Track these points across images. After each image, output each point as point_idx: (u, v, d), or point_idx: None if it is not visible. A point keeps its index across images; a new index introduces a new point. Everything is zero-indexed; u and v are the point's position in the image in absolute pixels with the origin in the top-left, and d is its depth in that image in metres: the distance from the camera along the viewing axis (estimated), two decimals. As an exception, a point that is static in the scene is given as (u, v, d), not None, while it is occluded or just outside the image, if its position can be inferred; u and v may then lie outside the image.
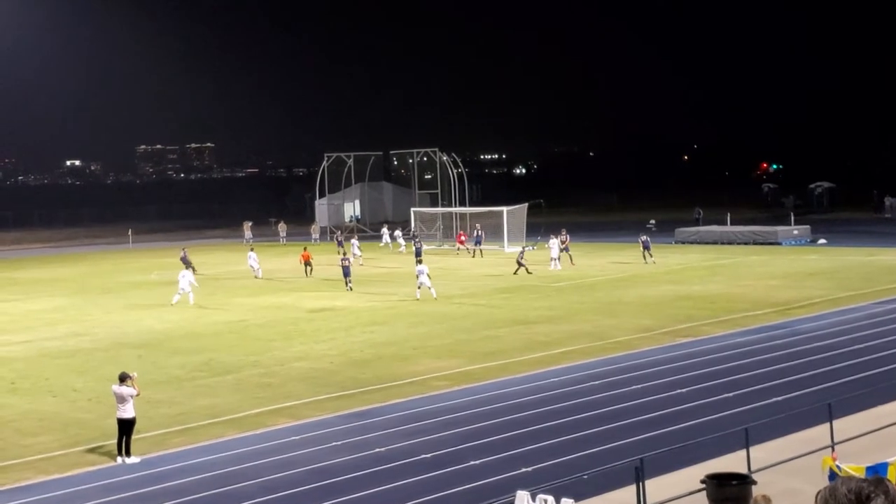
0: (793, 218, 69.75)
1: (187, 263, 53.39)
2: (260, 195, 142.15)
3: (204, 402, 25.05)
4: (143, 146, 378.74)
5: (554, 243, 52.14)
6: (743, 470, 15.11)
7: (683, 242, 64.06)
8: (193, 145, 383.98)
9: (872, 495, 3.23)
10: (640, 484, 13.77)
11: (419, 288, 41.81)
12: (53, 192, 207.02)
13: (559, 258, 51.75)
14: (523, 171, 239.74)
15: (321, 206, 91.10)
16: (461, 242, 66.16)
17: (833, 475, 9.48)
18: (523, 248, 52.20)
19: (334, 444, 20.81)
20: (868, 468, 9.89)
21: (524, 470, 18.17)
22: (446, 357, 29.59)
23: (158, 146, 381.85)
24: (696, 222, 75.04)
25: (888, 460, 9.73)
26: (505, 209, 67.34)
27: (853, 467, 10.04)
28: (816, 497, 3.39)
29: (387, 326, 35.60)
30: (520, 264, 50.00)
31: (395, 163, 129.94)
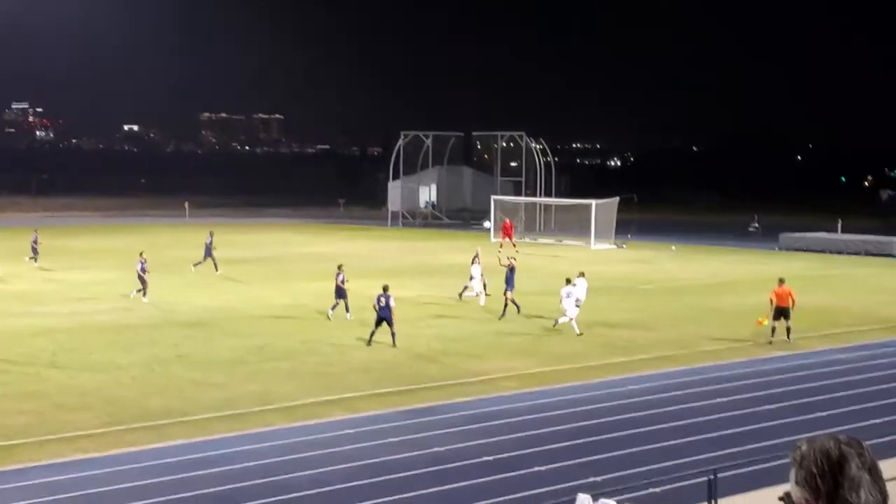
0: (912, 228, 68.69)
1: (35, 252, 50.46)
2: (329, 173, 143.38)
3: (255, 387, 25.66)
4: (206, 114, 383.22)
5: (476, 270, 40.68)
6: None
7: (788, 249, 63.54)
8: (261, 116, 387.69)
9: (846, 456, 3.33)
10: (713, 501, 13.95)
11: (468, 290, 40.09)
12: (108, 158, 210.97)
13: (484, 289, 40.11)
14: (618, 163, 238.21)
15: (394, 189, 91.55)
16: (508, 234, 63.90)
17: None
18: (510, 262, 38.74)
19: (391, 440, 21.25)
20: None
21: (592, 479, 18.41)
22: (517, 357, 29.89)
23: (223, 115, 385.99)
24: (756, 233, 74.12)
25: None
26: (594, 202, 67.21)
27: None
28: (805, 455, 3.44)
29: (456, 320, 35.98)
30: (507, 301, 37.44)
31: (478, 146, 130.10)
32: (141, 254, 40.67)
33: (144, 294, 39.45)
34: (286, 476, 18.84)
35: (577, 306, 33.58)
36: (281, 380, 26.58)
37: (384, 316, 30.72)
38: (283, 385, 25.99)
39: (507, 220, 66.92)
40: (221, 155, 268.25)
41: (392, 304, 30.75)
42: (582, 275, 35.76)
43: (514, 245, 59.48)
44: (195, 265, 47.98)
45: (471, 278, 40.68)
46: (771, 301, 32.22)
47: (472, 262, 41.16)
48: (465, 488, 18.22)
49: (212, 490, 18.09)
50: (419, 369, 28.05)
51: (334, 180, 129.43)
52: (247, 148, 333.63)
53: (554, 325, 33.80)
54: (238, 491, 18.05)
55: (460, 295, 41.00)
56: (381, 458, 19.96)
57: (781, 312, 31.89)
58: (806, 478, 3.37)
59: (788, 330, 32.00)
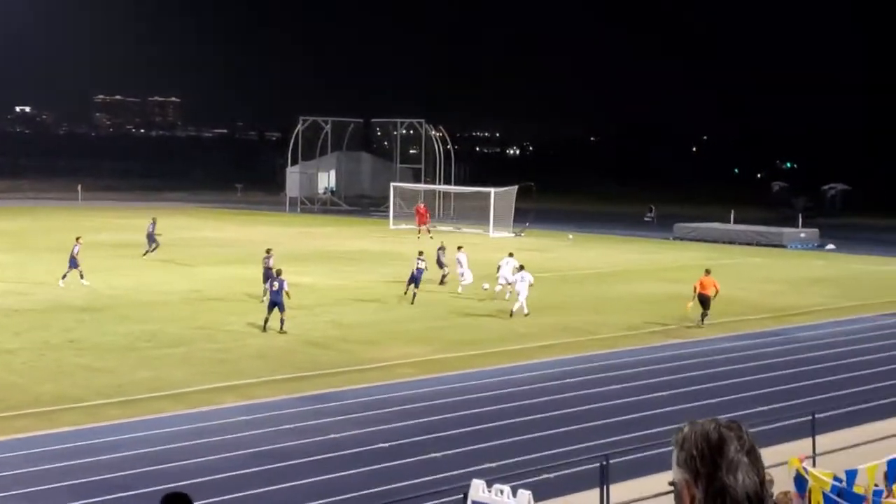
0: (801, 220, 70.32)
1: None
2: (226, 158, 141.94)
3: (147, 374, 25.29)
4: (101, 96, 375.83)
5: (463, 258, 40.76)
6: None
7: (682, 239, 64.59)
8: (157, 98, 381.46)
9: (725, 439, 3.41)
10: (604, 486, 14.13)
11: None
12: None
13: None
14: (517, 152, 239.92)
15: (293, 175, 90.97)
16: (423, 220, 64.80)
17: (799, 477, 9.84)
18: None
19: (286, 426, 21.14)
20: (836, 478, 10.24)
21: (487, 465, 18.52)
22: (416, 343, 29.93)
23: (118, 97, 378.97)
24: (651, 223, 75.41)
25: (859, 466, 10.10)
26: (493, 191, 67.65)
27: (822, 472, 10.41)
28: (686, 437, 3.51)
29: (354, 307, 35.89)
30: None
31: (378, 132, 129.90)
32: (77, 238, 39.70)
33: (81, 276, 38.95)
34: (179, 463, 18.61)
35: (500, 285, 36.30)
36: (174, 366, 26.25)
37: (276, 300, 30.62)
38: (176, 371, 25.67)
39: (422, 205, 67.21)
40: (116, 137, 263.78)
41: (286, 287, 30.75)
42: (511, 255, 38.50)
43: (429, 232, 60.52)
44: (145, 253, 47.59)
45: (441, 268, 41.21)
46: (695, 289, 33.90)
47: (457, 252, 40.72)
48: (361, 475, 18.19)
49: (103, 477, 17.79)
50: (316, 356, 27.93)
51: (232, 165, 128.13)
52: (142, 131, 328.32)
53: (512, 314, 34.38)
54: (130, 478, 17.78)
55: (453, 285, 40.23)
56: (277, 445, 19.84)
57: (703, 300, 33.60)
58: (686, 459, 3.44)
59: (704, 316, 33.60)
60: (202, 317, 33.16)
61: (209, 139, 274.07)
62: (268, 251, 37.23)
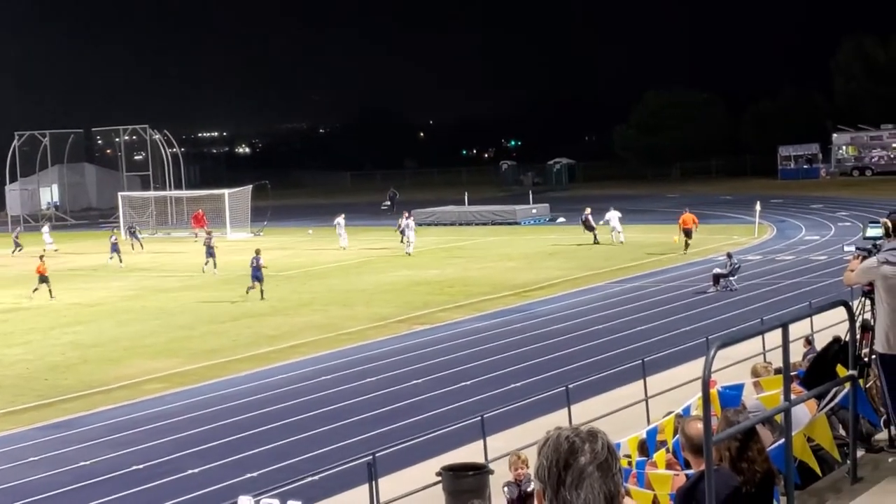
0: (531, 196, 72.35)
1: None
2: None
3: None
4: None
5: (613, 216, 50.76)
6: (480, 460, 15.64)
7: (422, 224, 65.23)
8: None
9: (575, 450, 3.30)
10: (373, 482, 14.03)
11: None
12: None
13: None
14: (247, 150, 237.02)
15: (13, 193, 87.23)
16: (201, 223, 64.29)
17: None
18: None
19: (30, 459, 20.15)
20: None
21: (249, 476, 18.16)
22: (161, 357, 29.07)
23: None
24: (391, 207, 76.22)
25: (621, 440, 10.35)
26: (226, 192, 66.86)
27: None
28: (542, 444, 3.39)
29: (92, 325, 34.57)
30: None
31: (100, 141, 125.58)
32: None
33: None
34: (-84, 514, 17.38)
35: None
36: None
37: (256, 276, 37.33)
38: None
39: (199, 211, 66.03)
40: None
41: (262, 262, 37.67)
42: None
43: (209, 232, 59.41)
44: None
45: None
46: (679, 225, 45.34)
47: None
48: (116, 502, 17.47)
49: None
50: (55, 381, 26.69)
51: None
52: None
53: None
54: None
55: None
56: (22, 480, 18.86)
57: (686, 233, 44.89)
58: (538, 469, 3.31)
59: (687, 244, 44.55)
60: (-73, 352, 31.13)
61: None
62: (208, 232, 46.66)
